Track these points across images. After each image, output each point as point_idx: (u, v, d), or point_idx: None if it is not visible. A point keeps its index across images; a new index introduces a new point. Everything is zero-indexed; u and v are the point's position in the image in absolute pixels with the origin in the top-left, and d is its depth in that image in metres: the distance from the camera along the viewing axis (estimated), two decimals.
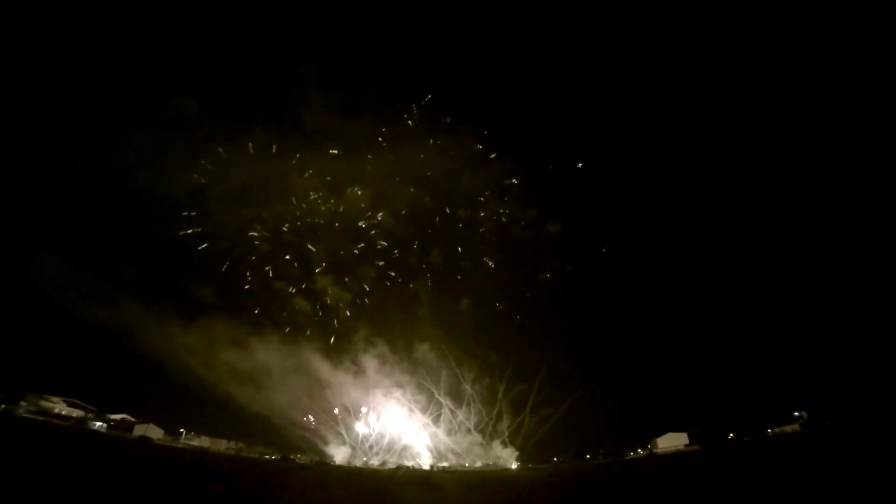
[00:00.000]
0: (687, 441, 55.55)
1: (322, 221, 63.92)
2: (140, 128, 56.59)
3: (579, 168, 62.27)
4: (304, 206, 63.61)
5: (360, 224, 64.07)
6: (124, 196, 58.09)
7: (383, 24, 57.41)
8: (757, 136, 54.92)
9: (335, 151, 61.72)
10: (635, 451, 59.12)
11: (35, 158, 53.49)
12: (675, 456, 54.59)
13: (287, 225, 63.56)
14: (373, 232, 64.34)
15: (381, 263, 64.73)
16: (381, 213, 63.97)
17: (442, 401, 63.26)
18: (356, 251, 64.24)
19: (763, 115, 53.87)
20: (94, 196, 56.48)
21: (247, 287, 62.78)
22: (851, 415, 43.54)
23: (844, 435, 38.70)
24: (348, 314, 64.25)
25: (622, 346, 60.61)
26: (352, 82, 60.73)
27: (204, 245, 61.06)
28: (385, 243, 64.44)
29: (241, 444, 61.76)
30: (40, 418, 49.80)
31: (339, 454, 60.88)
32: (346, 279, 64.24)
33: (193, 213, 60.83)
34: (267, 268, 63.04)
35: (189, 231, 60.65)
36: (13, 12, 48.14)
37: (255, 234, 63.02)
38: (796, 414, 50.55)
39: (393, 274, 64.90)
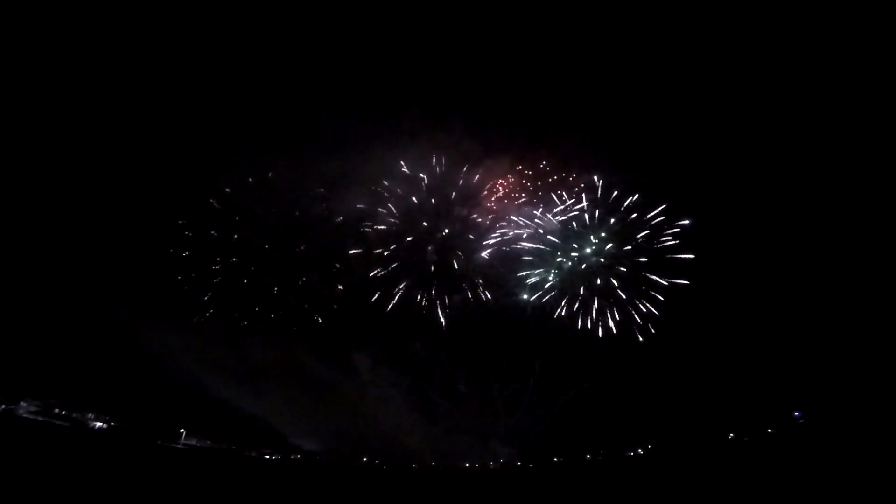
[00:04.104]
0: (689, 440, 55.69)
1: (317, 219, 63.74)
2: (134, 128, 56.60)
3: (580, 165, 61.93)
4: (299, 204, 63.56)
5: (356, 221, 63.61)
6: (120, 197, 58.07)
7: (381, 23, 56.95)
8: (748, 135, 54.90)
9: (331, 150, 61.36)
10: (635, 451, 59.05)
11: (30, 158, 53.48)
12: (675, 456, 54.72)
13: (280, 223, 63.39)
14: (369, 230, 63.94)
15: (378, 263, 64.40)
16: (378, 212, 63.57)
17: (437, 400, 63.37)
18: (351, 250, 63.88)
19: (735, 114, 53.85)
20: (89, 197, 56.62)
21: (242, 286, 62.62)
22: (851, 415, 43.59)
23: (844, 435, 38.79)
24: (342, 313, 63.95)
25: (621, 345, 60.44)
26: (349, 80, 60.42)
27: (199, 246, 61.03)
28: (381, 242, 64.01)
29: None
30: (40, 418, 49.85)
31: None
32: (341, 278, 63.95)
33: (189, 212, 60.89)
34: (254, 267, 62.66)
35: (184, 231, 60.67)
36: (11, 12, 48.07)
37: (250, 233, 62.87)
38: (796, 414, 50.65)
39: (390, 273, 64.53)
